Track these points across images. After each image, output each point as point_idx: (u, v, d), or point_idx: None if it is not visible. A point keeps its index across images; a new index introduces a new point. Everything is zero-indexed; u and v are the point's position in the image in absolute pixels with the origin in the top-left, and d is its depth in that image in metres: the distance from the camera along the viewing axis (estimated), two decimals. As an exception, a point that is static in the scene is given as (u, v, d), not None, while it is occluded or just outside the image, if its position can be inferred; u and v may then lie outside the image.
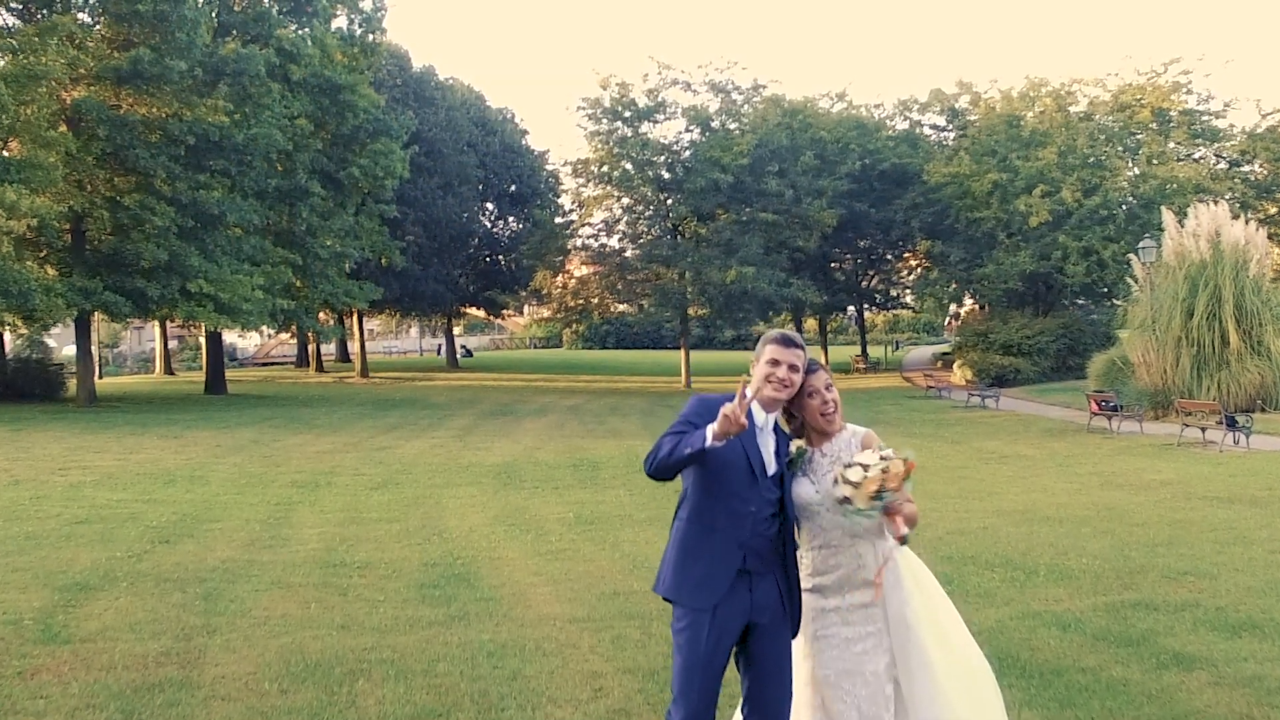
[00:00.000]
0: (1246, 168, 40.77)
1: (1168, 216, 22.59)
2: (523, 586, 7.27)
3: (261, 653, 5.54)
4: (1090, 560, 7.90)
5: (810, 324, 57.34)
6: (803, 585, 3.39)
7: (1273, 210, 39.65)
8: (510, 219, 51.76)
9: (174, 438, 18.34)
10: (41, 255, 25.53)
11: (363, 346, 46.08)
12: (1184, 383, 20.67)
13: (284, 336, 53.81)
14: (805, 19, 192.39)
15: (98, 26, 25.97)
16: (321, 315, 40.55)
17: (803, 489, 3.39)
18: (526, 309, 66.97)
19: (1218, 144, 39.94)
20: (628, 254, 40.67)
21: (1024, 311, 39.08)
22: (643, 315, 43.53)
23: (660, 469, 3.14)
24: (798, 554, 3.41)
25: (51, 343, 36.70)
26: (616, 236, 41.41)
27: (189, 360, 52.92)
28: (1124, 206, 36.85)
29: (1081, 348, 34.10)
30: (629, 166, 38.02)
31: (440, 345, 63.97)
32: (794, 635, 3.35)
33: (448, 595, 6.95)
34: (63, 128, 24.18)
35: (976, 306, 46.87)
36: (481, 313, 58.36)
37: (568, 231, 41.98)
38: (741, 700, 3.36)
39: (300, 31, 31.15)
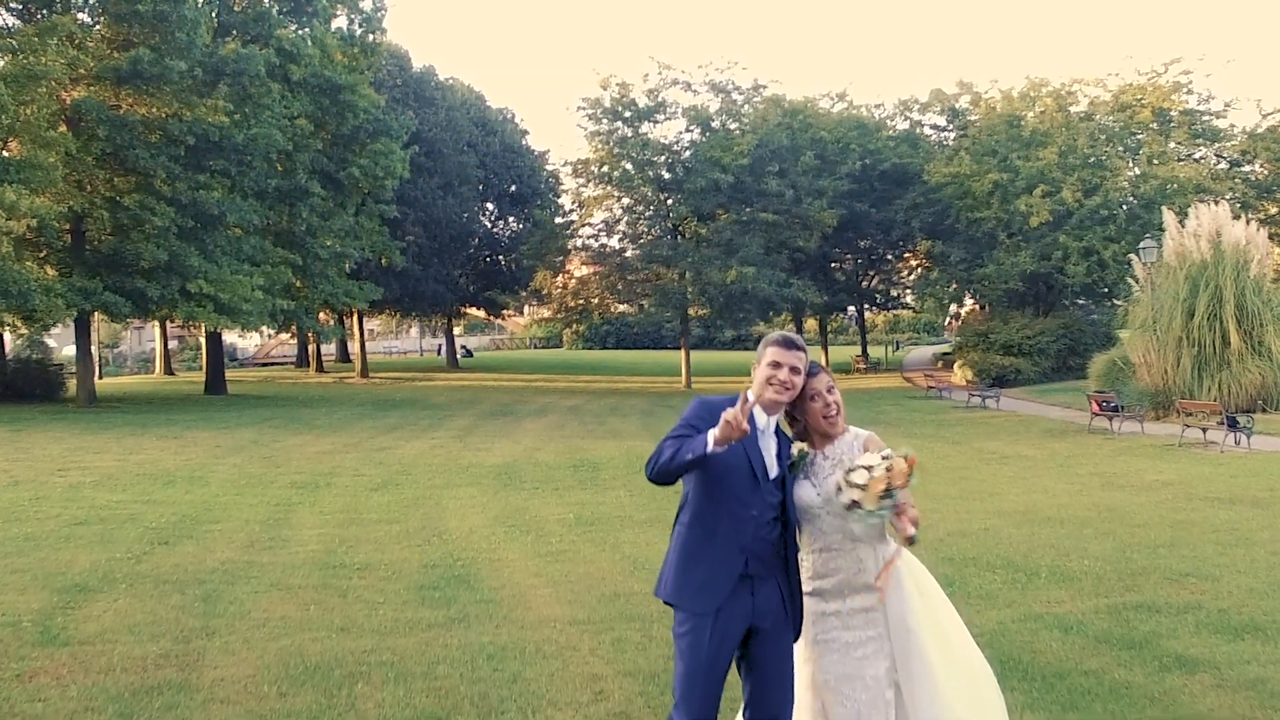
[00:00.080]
0: (1247, 168, 40.75)
1: (1168, 217, 22.57)
2: (523, 588, 7.26)
3: (260, 655, 5.52)
4: (1092, 562, 7.88)
5: (810, 324, 57.31)
6: (803, 588, 3.38)
7: (1273, 210, 39.62)
8: (510, 219, 51.75)
9: (174, 438, 18.33)
10: (41, 255, 25.51)
11: (363, 347, 46.08)
12: (1185, 383, 20.65)
13: (284, 337, 53.79)
14: (805, 19, 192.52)
15: (97, 26, 25.95)
16: (321, 315, 40.54)
17: (804, 491, 3.37)
18: (526, 309, 66.95)
19: (1218, 144, 39.91)
20: (628, 254, 40.65)
21: (1024, 312, 39.06)
22: (643, 315, 43.50)
23: (661, 474, 3.13)
24: (798, 557, 3.39)
25: (51, 343, 36.74)
26: (617, 237, 41.43)
27: (189, 360, 52.92)
28: (1125, 207, 36.83)
29: (1082, 348, 34.07)
30: (629, 166, 38.01)
31: (440, 345, 63.96)
32: (795, 639, 3.34)
33: (448, 597, 6.93)
34: (62, 128, 24.16)
35: (977, 307, 46.85)
36: (481, 313, 58.35)
37: (568, 232, 41.97)
38: (743, 705, 3.34)
39: (300, 31, 31.13)
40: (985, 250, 38.73)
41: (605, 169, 38.71)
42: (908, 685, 3.33)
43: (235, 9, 29.55)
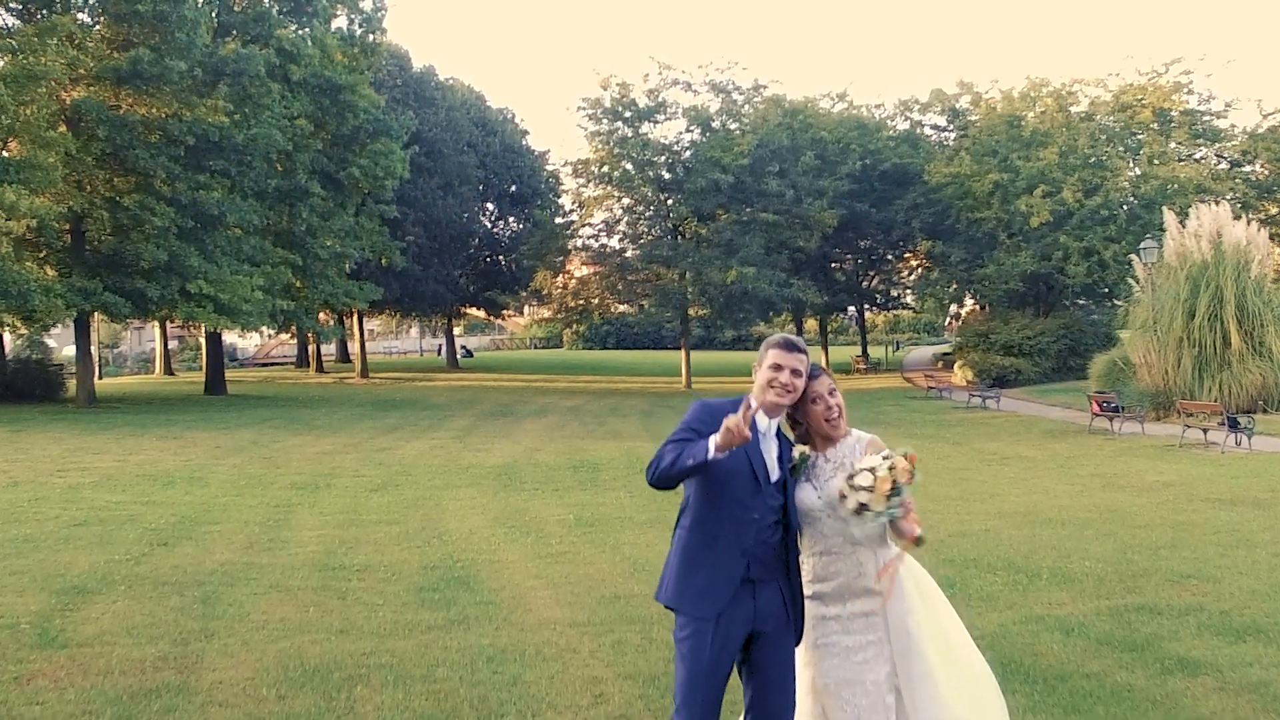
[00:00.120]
0: (1248, 168, 40.73)
1: (1169, 217, 22.55)
2: (523, 590, 7.24)
3: (259, 658, 5.50)
4: (1093, 563, 7.86)
5: (811, 324, 57.31)
6: (804, 592, 3.36)
7: (1274, 210, 39.61)
8: (510, 219, 51.74)
9: (173, 439, 18.32)
10: (41, 256, 25.50)
11: (363, 347, 46.07)
12: (1185, 384, 20.64)
13: (284, 337, 53.77)
14: (805, 19, 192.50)
15: (97, 27, 25.94)
16: (321, 316, 40.53)
17: (805, 494, 3.36)
18: (527, 309, 66.94)
19: (1219, 144, 39.89)
20: (628, 254, 40.65)
21: (1025, 312, 39.05)
22: (643, 316, 43.49)
23: (662, 479, 3.11)
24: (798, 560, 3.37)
25: (51, 343, 36.73)
26: (617, 237, 41.44)
27: (189, 361, 52.91)
28: (1125, 207, 36.82)
29: (1083, 348, 34.06)
30: (629, 167, 38.00)
31: (440, 346, 63.95)
32: (797, 643, 3.32)
33: (447, 599, 6.92)
34: (62, 128, 24.15)
35: (977, 307, 46.84)
36: (482, 313, 58.35)
37: (568, 232, 41.96)
38: (744, 709, 3.33)
39: (300, 31, 31.12)
40: (985, 250, 38.72)
41: (605, 169, 38.71)
42: (908, 689, 3.31)
43: (235, 9, 29.54)
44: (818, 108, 44.05)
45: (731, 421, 2.89)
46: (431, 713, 4.69)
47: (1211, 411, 17.88)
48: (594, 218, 41.26)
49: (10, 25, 24.84)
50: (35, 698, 4.84)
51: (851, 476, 3.17)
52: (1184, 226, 21.95)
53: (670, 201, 38.62)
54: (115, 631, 5.97)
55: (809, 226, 38.01)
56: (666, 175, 38.30)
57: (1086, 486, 12.80)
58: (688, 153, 38.65)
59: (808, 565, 3.41)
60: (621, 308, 43.97)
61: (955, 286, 43.28)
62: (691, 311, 39.74)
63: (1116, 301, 33.74)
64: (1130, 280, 24.39)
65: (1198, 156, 39.80)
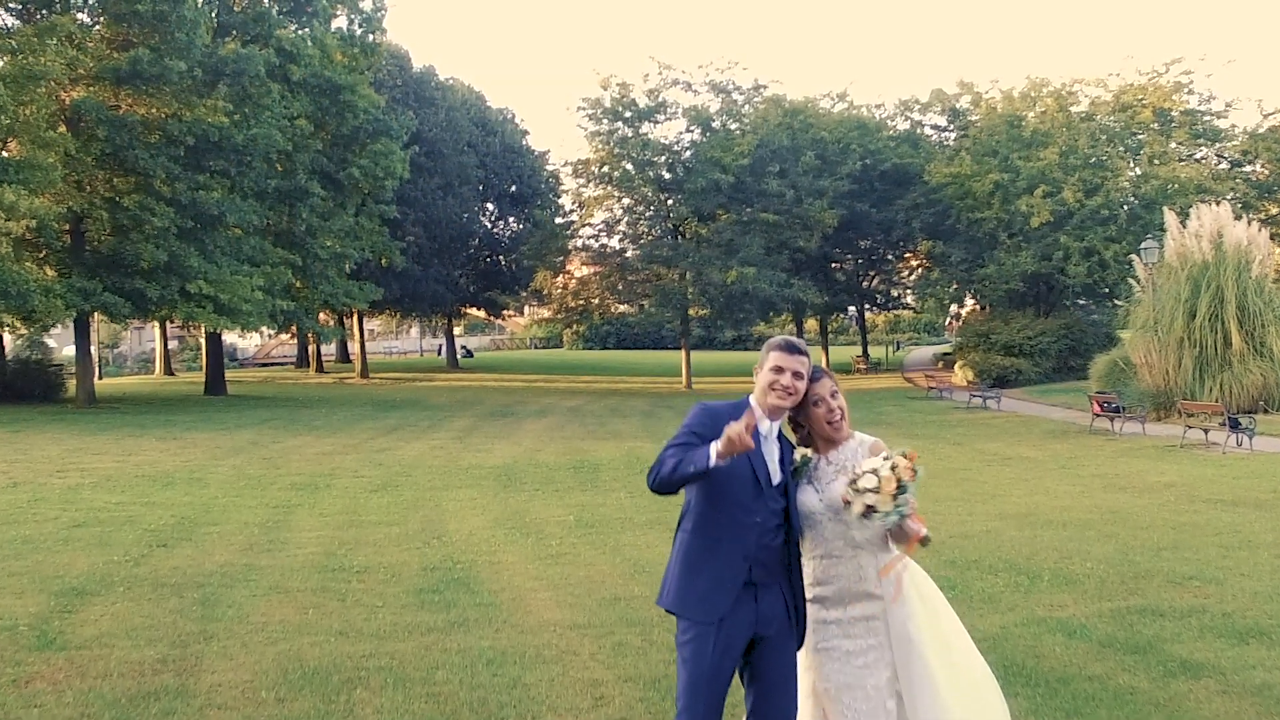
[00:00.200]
0: (1248, 168, 40.71)
1: (1170, 217, 22.53)
2: (522, 591, 7.22)
3: (259, 660, 5.48)
4: (1095, 565, 7.84)
5: (811, 324, 57.29)
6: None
7: (1275, 210, 39.58)
8: (510, 219, 51.74)
9: (173, 439, 18.30)
10: (41, 256, 25.49)
11: (363, 347, 46.07)
12: (1186, 384, 20.61)
13: (284, 337, 53.78)
14: (805, 19, 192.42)
15: (97, 27, 25.93)
16: (322, 316, 40.53)
17: (807, 497, 3.34)
18: (527, 309, 66.94)
19: (1219, 144, 39.88)
20: (628, 254, 40.64)
21: (1025, 312, 39.03)
22: (643, 316, 43.48)
23: (663, 485, 3.09)
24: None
25: (51, 343, 36.69)
26: (617, 237, 41.43)
27: (189, 361, 52.90)
28: (1126, 207, 36.80)
29: (1083, 348, 34.05)
30: (629, 167, 37.99)
31: (440, 346, 63.96)
32: (799, 647, 3.30)
33: (447, 600, 6.89)
34: (62, 128, 24.14)
35: (978, 307, 46.81)
36: (482, 313, 58.35)
37: (568, 232, 41.95)
38: (746, 713, 3.31)
39: (300, 32, 31.10)
40: (986, 250, 38.71)
41: (605, 169, 38.70)
42: (909, 693, 3.29)
43: (235, 9, 29.52)
44: (818, 108, 44.03)
45: (733, 430, 2.87)
46: (431, 716, 4.67)
47: (1213, 412, 17.86)
48: (594, 218, 41.29)
49: (10, 25, 24.83)
50: (33, 700, 4.82)
51: (854, 481, 3.16)
52: (1185, 226, 21.92)
53: (670, 201, 38.61)
54: (114, 634, 5.95)
55: (809, 226, 37.99)
56: (666, 175, 38.29)
57: (1088, 487, 12.78)
58: (688, 153, 38.64)
59: (808, 568, 3.40)
60: (621, 308, 43.96)
61: (955, 286, 43.27)
62: (692, 311, 39.72)
63: (1117, 302, 33.70)
64: (1131, 280, 24.36)
65: (1198, 156, 39.80)
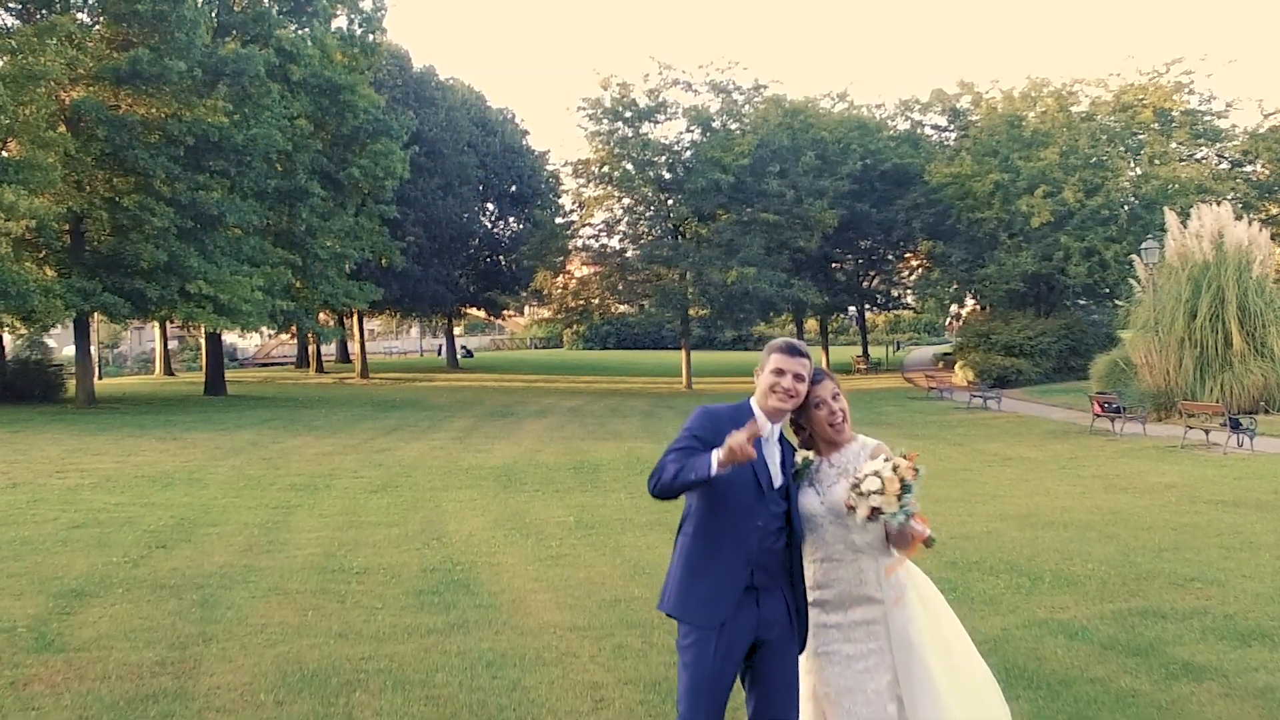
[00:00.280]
0: (1249, 168, 40.70)
1: (1170, 217, 22.52)
2: (522, 593, 7.20)
3: (258, 662, 5.46)
4: (1096, 566, 7.82)
5: (811, 325, 57.28)
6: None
7: (1275, 210, 39.56)
8: (510, 219, 51.73)
9: (173, 440, 18.28)
10: (40, 256, 25.46)
11: (363, 347, 46.05)
12: (1187, 384, 20.60)
13: (284, 337, 53.78)
14: (805, 19, 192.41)
15: (96, 27, 25.91)
16: (321, 316, 40.51)
17: (808, 500, 3.32)
18: (527, 309, 66.93)
19: (1220, 144, 39.87)
20: (628, 254, 40.64)
21: (1026, 312, 39.03)
22: (643, 316, 43.48)
23: (664, 491, 3.08)
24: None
25: (51, 343, 36.65)
26: (617, 237, 41.43)
27: (189, 361, 52.88)
28: (1126, 207, 36.80)
29: (1084, 349, 34.04)
30: (630, 167, 37.98)
31: (440, 346, 63.95)
32: (801, 651, 3.29)
33: (447, 602, 6.87)
34: (62, 128, 24.12)
35: (978, 307, 46.80)
36: (482, 313, 58.33)
37: (568, 232, 41.95)
38: (747, 718, 3.29)
39: (300, 31, 31.08)
40: (986, 250, 38.70)
41: (606, 169, 38.69)
42: (910, 697, 3.28)
43: (235, 9, 29.50)
44: (818, 108, 44.03)
45: (735, 440, 2.86)
46: (431, 718, 4.65)
47: (1213, 412, 17.84)
48: (594, 218, 41.29)
49: (10, 25, 24.81)
50: (31, 703, 4.80)
51: (857, 485, 3.14)
52: (1185, 227, 21.92)
53: (670, 201, 38.59)
54: (113, 635, 5.93)
55: (809, 226, 37.98)
56: (667, 175, 38.28)
57: (1088, 488, 12.76)
58: (688, 153, 38.63)
59: (809, 572, 3.38)
60: (622, 308, 43.96)
61: (956, 286, 43.26)
62: (692, 312, 39.71)
63: (1118, 302, 33.69)
64: (1131, 280, 24.35)
65: (1199, 156, 39.79)
